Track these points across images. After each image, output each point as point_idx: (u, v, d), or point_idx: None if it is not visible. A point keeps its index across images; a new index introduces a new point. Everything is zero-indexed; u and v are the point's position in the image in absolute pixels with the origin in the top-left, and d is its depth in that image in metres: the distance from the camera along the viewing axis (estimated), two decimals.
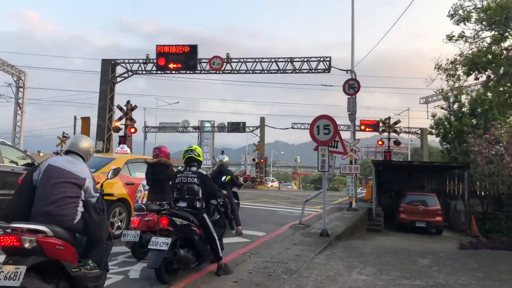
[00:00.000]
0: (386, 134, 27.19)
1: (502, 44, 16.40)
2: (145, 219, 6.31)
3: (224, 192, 8.59)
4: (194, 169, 5.76)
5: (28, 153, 12.14)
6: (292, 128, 44.53)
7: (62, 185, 3.83)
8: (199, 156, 5.89)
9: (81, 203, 3.93)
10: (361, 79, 16.22)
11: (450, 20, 16.59)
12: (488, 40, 16.46)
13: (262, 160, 44.24)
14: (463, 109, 21.99)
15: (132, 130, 22.18)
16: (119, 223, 8.12)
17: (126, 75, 25.57)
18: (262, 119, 45.14)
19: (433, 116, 23.56)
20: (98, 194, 4.14)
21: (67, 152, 4.19)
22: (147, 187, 7.71)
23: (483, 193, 17.18)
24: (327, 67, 24.07)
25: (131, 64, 25.37)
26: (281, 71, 24.78)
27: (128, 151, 10.91)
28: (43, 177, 3.88)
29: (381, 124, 29.12)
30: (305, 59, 24.49)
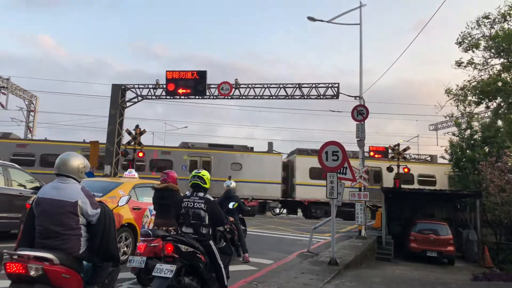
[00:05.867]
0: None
1: None
2: (151, 245, 6.21)
3: (231, 218, 8.50)
4: (201, 194, 5.68)
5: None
6: None
7: (55, 218, 3.64)
8: (206, 184, 5.75)
9: (83, 229, 3.75)
10: (373, 105, 16.31)
11: (459, 47, 16.77)
12: (498, 67, 16.54)
13: None
14: (475, 136, 21.82)
15: (141, 154, 22.28)
16: (125, 249, 8.04)
17: (135, 100, 25.85)
18: (270, 144, 45.00)
19: (450, 141, 23.44)
20: (98, 210, 3.80)
21: (58, 175, 3.87)
22: (153, 212, 7.65)
23: (496, 223, 16.82)
24: (335, 93, 24.10)
25: (141, 89, 25.66)
26: (289, 97, 24.84)
27: (136, 175, 10.91)
28: (37, 210, 3.72)
29: (390, 151, 28.91)
30: (313, 85, 24.56)
